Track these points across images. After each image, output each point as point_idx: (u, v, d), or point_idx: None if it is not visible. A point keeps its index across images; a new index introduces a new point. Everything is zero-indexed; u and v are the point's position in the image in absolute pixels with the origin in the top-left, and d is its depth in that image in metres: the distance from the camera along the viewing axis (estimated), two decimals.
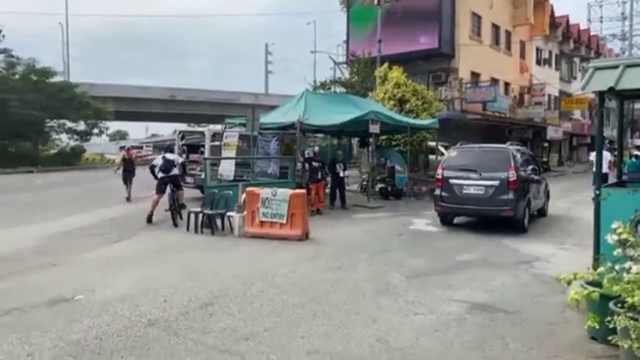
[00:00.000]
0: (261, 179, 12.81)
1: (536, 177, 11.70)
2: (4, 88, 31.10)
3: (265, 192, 9.79)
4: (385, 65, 21.39)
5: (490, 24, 30.61)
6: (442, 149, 22.03)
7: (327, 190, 14.82)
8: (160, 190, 11.29)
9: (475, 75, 29.07)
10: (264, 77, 62.18)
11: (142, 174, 15.35)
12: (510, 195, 9.97)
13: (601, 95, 5.32)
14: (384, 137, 18.85)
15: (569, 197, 16.45)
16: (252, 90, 55.71)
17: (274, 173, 13.39)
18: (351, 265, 7.38)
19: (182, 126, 22.94)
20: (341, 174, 14.60)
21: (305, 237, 9.32)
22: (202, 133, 16.80)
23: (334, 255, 8.08)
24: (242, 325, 4.86)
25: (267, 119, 14.70)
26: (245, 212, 9.94)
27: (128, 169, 16.17)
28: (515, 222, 10.24)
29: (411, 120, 17.22)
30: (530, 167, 11.44)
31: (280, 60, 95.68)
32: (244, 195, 10.18)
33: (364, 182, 17.70)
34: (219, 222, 10.23)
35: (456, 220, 11.38)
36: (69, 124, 36.79)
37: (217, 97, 49.87)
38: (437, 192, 10.94)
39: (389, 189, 17.15)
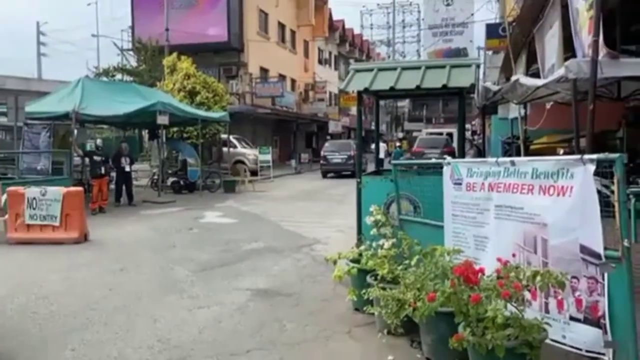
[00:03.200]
0: (29, 177, 11.30)
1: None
2: None
3: (32, 191, 8.65)
4: (174, 55, 20.67)
5: (276, 22, 32.01)
6: (235, 142, 22.43)
7: (113, 186, 13.78)
8: None
9: (264, 71, 30.13)
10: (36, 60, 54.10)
11: None
12: (352, 162, 21.62)
13: (359, 94, 6.04)
14: (175, 129, 18.32)
15: None
16: (23, 75, 48.22)
17: (44, 169, 11.93)
18: (134, 265, 7.01)
19: None
20: (127, 168, 13.69)
21: (83, 239, 8.53)
22: None
23: (116, 256, 7.58)
24: None
25: (36, 107, 12.98)
26: (7, 216, 8.65)
27: None
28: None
29: (202, 113, 17.05)
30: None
31: (58, 43, 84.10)
32: (4, 196, 8.84)
33: (155, 176, 16.94)
34: None
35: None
36: None
37: None
38: (322, 161, 23.92)
39: (182, 182, 16.81)
